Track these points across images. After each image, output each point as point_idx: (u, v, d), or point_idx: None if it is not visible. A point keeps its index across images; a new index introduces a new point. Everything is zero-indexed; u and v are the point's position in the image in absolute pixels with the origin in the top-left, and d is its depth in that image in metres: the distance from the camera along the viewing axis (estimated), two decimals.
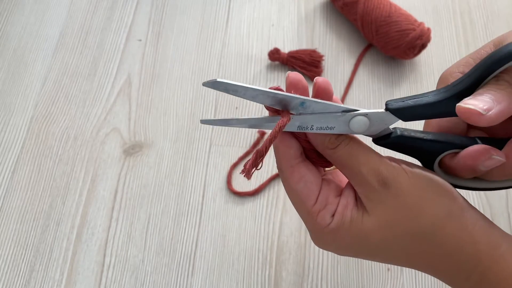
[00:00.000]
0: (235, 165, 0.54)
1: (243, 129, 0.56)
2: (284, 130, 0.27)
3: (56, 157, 0.54)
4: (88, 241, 0.50)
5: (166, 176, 0.54)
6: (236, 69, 0.60)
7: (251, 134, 0.56)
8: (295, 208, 0.29)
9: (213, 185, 0.53)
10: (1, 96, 0.58)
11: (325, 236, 0.28)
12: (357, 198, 0.28)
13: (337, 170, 0.32)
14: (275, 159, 0.30)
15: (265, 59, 0.61)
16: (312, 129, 0.28)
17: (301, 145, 0.29)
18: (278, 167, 0.29)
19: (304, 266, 0.49)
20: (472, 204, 0.52)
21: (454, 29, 0.64)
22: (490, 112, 0.24)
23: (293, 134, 0.29)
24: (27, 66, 0.60)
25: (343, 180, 0.31)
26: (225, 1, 0.66)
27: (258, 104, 0.58)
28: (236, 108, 0.58)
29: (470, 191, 0.53)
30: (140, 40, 0.62)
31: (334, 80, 0.60)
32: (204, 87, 0.59)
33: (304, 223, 0.29)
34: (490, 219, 0.51)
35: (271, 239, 0.50)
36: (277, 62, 0.61)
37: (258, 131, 0.56)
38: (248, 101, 0.59)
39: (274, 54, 0.59)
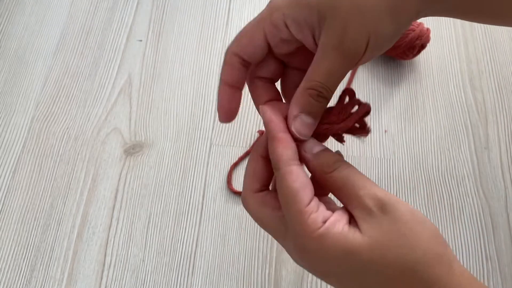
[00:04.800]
0: (235, 165, 0.54)
1: (243, 129, 0.57)
2: None
3: (57, 157, 0.55)
4: (89, 241, 0.50)
5: (166, 176, 0.54)
6: None
7: (251, 134, 0.56)
8: (285, 208, 0.28)
9: (213, 185, 0.53)
10: (2, 96, 0.58)
11: (310, 242, 0.27)
12: (350, 220, 0.27)
13: None
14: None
15: None
16: None
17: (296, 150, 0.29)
18: (274, 167, 0.29)
19: None
20: (471, 204, 0.53)
21: (453, 29, 0.64)
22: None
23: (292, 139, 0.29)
24: (28, 66, 0.61)
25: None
26: (225, 1, 0.66)
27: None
28: None
29: (465, 191, 0.53)
30: (140, 41, 0.63)
31: None
32: (204, 87, 0.59)
33: (291, 225, 0.28)
34: (490, 219, 0.51)
35: (271, 239, 0.50)
36: None
37: (258, 131, 0.56)
38: (248, 101, 0.59)
39: None
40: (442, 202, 0.53)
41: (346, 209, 0.28)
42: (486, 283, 0.49)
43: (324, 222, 0.27)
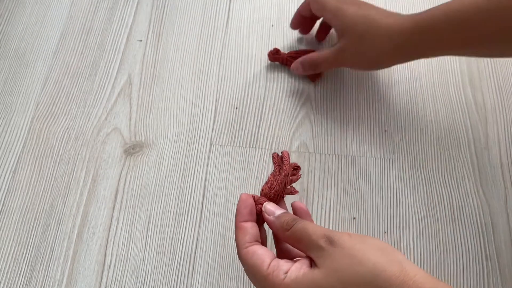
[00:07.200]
0: None
1: (243, 129, 0.57)
2: None
3: (57, 157, 0.55)
4: (89, 241, 0.50)
5: (166, 176, 0.54)
6: (236, 69, 0.61)
7: (251, 134, 0.56)
8: (253, 280, 0.34)
9: (213, 185, 0.53)
10: (2, 96, 0.58)
11: None
12: (311, 264, 0.32)
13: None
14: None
15: (265, 59, 0.61)
16: None
17: (257, 232, 0.36)
18: (237, 249, 0.36)
19: None
20: (471, 204, 0.53)
21: None
22: None
23: (252, 218, 0.37)
24: (28, 66, 0.61)
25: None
26: (225, 1, 0.66)
27: (258, 104, 0.58)
28: (236, 108, 0.58)
29: (465, 191, 0.53)
30: (140, 41, 0.63)
31: (334, 81, 0.60)
32: (204, 87, 0.59)
33: None
34: (489, 219, 0.51)
35: (270, 238, 0.50)
36: (277, 63, 0.61)
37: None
38: (248, 101, 0.59)
39: (274, 55, 0.59)
40: (442, 202, 0.53)
41: (307, 256, 0.33)
42: (486, 283, 0.49)
43: (286, 272, 0.32)
